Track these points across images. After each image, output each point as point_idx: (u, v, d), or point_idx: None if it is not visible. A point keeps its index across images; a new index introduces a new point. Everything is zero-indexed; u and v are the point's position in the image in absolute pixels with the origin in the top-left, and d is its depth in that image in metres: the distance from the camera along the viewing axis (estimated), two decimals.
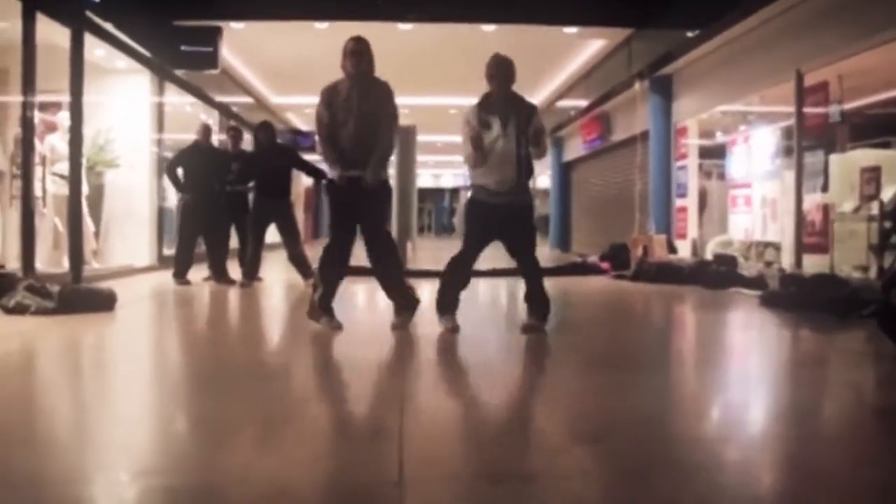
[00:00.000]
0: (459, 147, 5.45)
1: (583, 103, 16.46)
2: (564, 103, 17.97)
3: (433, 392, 3.78)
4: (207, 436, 2.88)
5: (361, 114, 5.29)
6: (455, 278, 5.46)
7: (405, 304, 5.49)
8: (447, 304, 5.38)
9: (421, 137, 12.39)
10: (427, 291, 7.01)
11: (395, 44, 13.31)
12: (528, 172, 5.35)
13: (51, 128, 9.17)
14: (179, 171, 9.09)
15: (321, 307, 5.35)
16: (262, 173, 8.87)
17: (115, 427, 2.96)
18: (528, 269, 5.41)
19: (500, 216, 5.23)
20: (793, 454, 2.70)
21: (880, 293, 4.94)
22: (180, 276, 9.14)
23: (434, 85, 16.55)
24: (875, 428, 3.16)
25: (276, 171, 8.93)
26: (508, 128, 5.20)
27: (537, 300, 5.36)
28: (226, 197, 9.28)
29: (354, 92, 5.35)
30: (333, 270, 5.44)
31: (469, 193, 5.49)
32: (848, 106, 8.75)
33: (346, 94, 5.36)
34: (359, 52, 5.38)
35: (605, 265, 11.47)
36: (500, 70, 5.31)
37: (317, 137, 5.66)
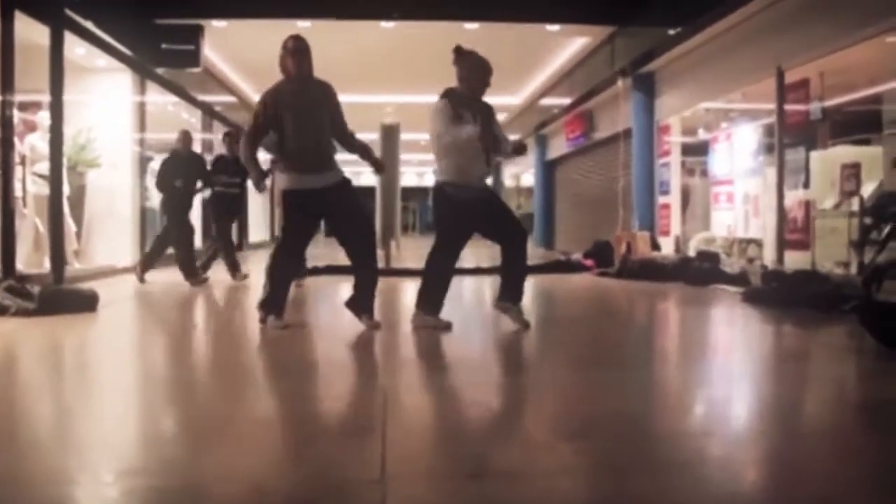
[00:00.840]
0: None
1: (566, 101, 16.50)
2: (548, 101, 18.00)
3: (415, 389, 3.77)
4: (190, 435, 2.87)
5: (311, 115, 5.28)
6: (441, 279, 5.40)
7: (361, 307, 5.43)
8: (435, 304, 5.32)
9: (404, 136, 12.37)
10: (411, 288, 6.97)
11: (378, 42, 13.32)
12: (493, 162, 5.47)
13: (31, 127, 9.11)
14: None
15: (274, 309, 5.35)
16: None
17: (98, 427, 2.94)
18: (518, 250, 5.38)
19: (481, 208, 5.26)
20: (775, 449, 2.71)
21: (861, 289, 4.99)
22: (194, 276, 9.23)
23: (417, 83, 16.50)
24: (857, 422, 3.18)
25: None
26: (478, 121, 5.22)
27: (519, 279, 5.38)
28: (221, 197, 9.54)
29: (299, 91, 5.29)
30: (290, 273, 5.58)
31: (440, 190, 5.33)
32: (828, 103, 8.82)
33: (290, 94, 5.29)
34: (301, 51, 5.30)
35: (588, 262, 11.51)
36: (478, 67, 5.36)
37: (243, 140, 5.63)
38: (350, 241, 5.37)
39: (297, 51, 5.27)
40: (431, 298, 5.32)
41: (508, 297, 5.34)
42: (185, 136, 9.54)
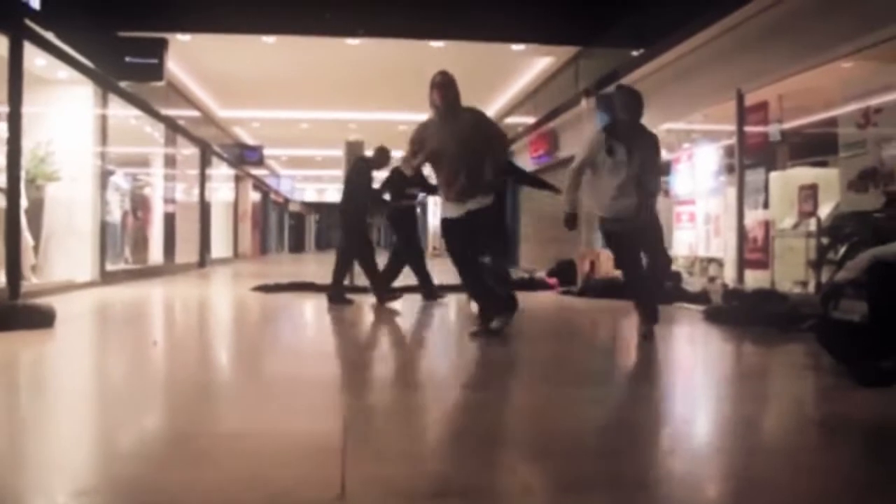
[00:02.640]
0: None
1: (530, 120, 16.63)
2: (512, 120, 18.14)
3: (377, 407, 3.75)
4: (147, 454, 2.82)
5: (458, 144, 5.60)
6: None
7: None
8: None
9: (369, 152, 12.35)
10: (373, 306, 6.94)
11: (344, 59, 13.34)
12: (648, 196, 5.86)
13: None
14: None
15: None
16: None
17: (52, 446, 2.88)
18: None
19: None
20: (735, 466, 2.74)
21: (818, 307, 5.07)
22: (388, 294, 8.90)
23: (382, 100, 16.59)
24: (815, 438, 3.22)
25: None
26: (633, 155, 5.65)
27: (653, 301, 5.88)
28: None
29: (446, 123, 5.65)
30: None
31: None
32: (787, 125, 8.99)
33: (436, 127, 5.69)
34: (444, 84, 5.64)
35: (552, 281, 11.57)
36: (632, 101, 5.89)
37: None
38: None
39: (440, 84, 5.65)
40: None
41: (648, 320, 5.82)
42: (384, 154, 9.27)
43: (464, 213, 5.64)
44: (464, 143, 5.56)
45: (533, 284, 11.57)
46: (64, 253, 10.58)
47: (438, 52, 12.07)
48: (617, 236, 5.82)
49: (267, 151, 23.60)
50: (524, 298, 9.31)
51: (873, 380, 3.86)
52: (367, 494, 2.32)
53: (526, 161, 18.39)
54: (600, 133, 5.89)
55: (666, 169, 12.00)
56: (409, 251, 9.18)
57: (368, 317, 7.83)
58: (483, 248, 6.09)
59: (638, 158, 5.66)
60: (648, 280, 5.87)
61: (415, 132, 5.76)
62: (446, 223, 5.81)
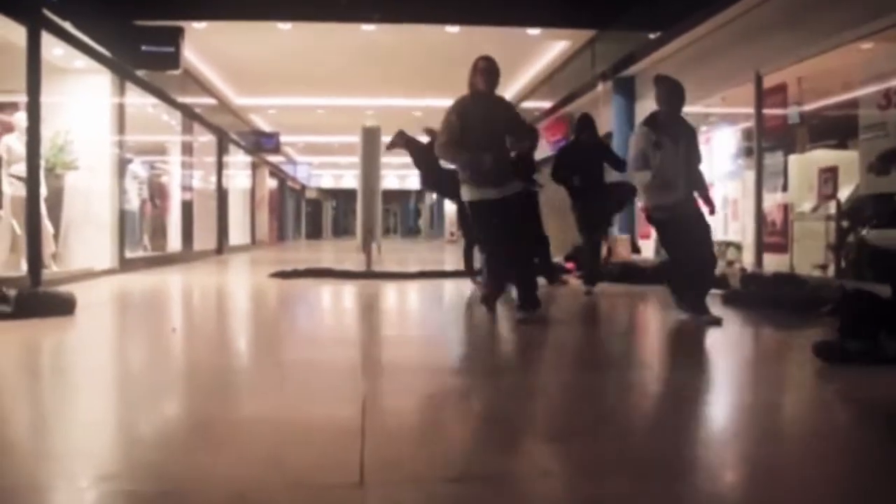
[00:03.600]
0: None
1: (547, 105, 16.54)
2: (528, 104, 18.03)
3: (395, 392, 3.77)
4: (168, 440, 2.85)
5: (494, 130, 5.74)
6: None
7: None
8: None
9: (386, 139, 12.35)
10: (393, 291, 6.98)
11: (359, 45, 13.30)
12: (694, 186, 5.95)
13: (8, 128, 9.03)
14: None
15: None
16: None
17: (75, 432, 2.91)
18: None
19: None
20: (753, 451, 2.73)
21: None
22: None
23: (398, 86, 16.55)
24: (832, 423, 3.21)
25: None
26: (679, 147, 5.72)
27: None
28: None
29: (482, 107, 5.75)
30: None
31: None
32: (806, 108, 8.90)
33: (475, 109, 5.75)
34: (490, 70, 5.79)
35: (569, 265, 11.53)
36: (673, 91, 5.90)
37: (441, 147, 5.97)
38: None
39: (485, 70, 5.79)
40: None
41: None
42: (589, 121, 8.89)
43: (501, 196, 5.72)
44: (499, 129, 5.77)
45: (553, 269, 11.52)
46: (83, 241, 10.66)
47: (454, 37, 12.02)
48: (664, 224, 5.91)
49: (283, 138, 23.62)
50: (542, 283, 9.31)
51: (837, 359, 3.98)
52: (385, 479, 2.34)
53: (543, 146, 18.32)
54: (642, 127, 5.91)
55: None
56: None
57: (378, 299, 7.85)
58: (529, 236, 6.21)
59: (684, 149, 5.74)
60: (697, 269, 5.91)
61: (452, 109, 5.81)
62: (482, 205, 5.81)
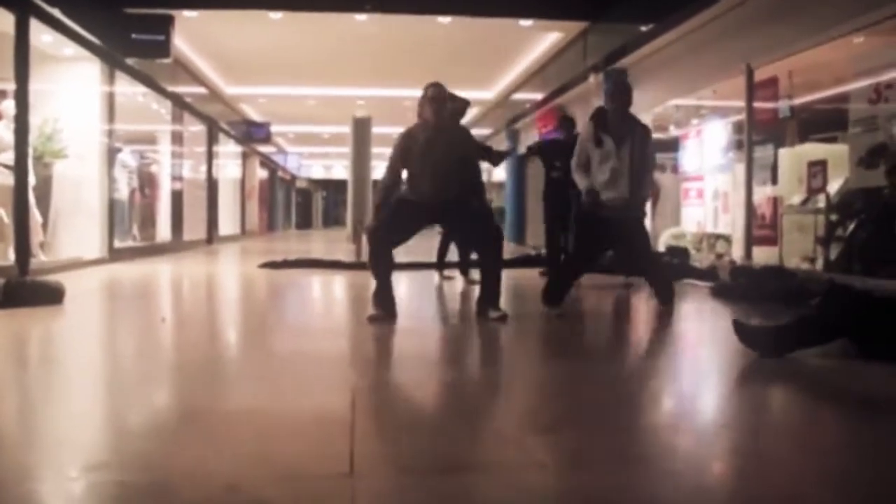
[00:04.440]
0: None
1: (538, 96, 16.54)
2: (520, 96, 18.05)
3: (385, 384, 3.77)
4: (157, 430, 2.84)
5: (443, 161, 5.33)
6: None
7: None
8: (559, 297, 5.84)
9: (376, 129, 12.33)
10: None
11: (351, 35, 13.25)
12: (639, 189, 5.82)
13: None
14: None
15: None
16: None
17: (63, 423, 2.90)
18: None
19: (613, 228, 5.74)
20: (741, 443, 2.74)
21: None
22: None
23: (390, 76, 16.50)
24: (821, 416, 3.23)
25: None
26: (622, 147, 5.58)
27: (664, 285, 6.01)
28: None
29: (435, 137, 5.36)
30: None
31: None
32: (797, 101, 8.93)
33: (423, 140, 5.37)
34: (438, 98, 5.36)
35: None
36: (621, 89, 5.79)
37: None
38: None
39: (434, 99, 5.34)
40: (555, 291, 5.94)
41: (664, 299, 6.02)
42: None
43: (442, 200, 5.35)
44: (452, 156, 5.37)
45: (540, 261, 11.55)
46: (72, 230, 10.60)
47: (446, 28, 12.00)
48: (594, 222, 5.71)
49: (274, 128, 23.55)
50: (531, 275, 9.33)
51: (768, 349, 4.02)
52: (375, 469, 2.34)
53: (534, 137, 18.33)
54: (588, 122, 5.83)
55: (674, 145, 11.96)
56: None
57: (368, 290, 7.84)
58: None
59: (628, 149, 5.59)
60: (575, 273, 6.07)
61: (395, 144, 5.47)
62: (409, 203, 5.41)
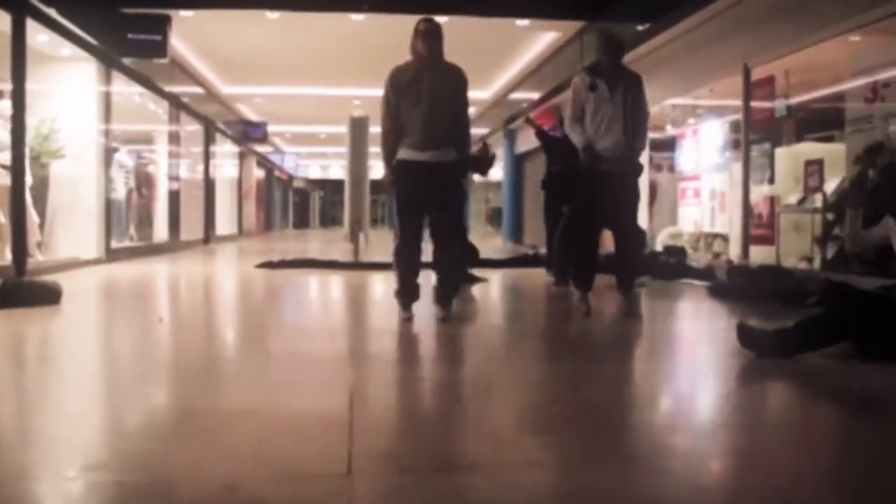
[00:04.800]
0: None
1: (535, 95, 16.54)
2: (517, 95, 18.05)
3: (383, 384, 3.77)
4: (155, 430, 2.84)
5: (433, 98, 5.13)
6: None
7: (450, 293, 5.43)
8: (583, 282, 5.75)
9: (373, 129, 12.30)
10: (380, 281, 6.92)
11: (348, 34, 13.25)
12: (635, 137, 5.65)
13: None
14: None
15: (398, 300, 5.31)
16: None
17: (61, 423, 2.90)
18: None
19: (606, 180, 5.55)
20: (738, 441, 2.75)
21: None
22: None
23: (386, 76, 16.47)
24: (819, 415, 3.24)
25: None
26: (615, 93, 5.50)
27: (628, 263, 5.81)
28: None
29: (426, 75, 5.18)
30: (410, 265, 5.33)
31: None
32: (793, 100, 8.95)
33: (413, 76, 5.19)
34: (432, 33, 5.23)
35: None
36: (612, 45, 5.71)
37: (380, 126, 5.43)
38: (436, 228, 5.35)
39: (427, 33, 5.24)
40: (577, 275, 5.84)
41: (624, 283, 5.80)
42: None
43: (428, 158, 5.14)
44: (444, 102, 5.17)
45: (537, 260, 11.56)
46: (69, 230, 10.60)
47: (443, 28, 11.98)
48: (593, 177, 5.54)
49: (271, 128, 23.54)
50: (529, 274, 9.33)
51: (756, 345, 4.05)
52: (373, 469, 2.34)
53: (531, 137, 18.33)
54: (581, 72, 5.73)
55: (671, 144, 11.97)
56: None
57: (366, 289, 7.85)
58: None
59: (621, 96, 5.53)
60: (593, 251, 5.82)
61: (386, 82, 5.32)
62: (408, 166, 5.19)
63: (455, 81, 5.27)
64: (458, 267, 5.38)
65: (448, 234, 5.31)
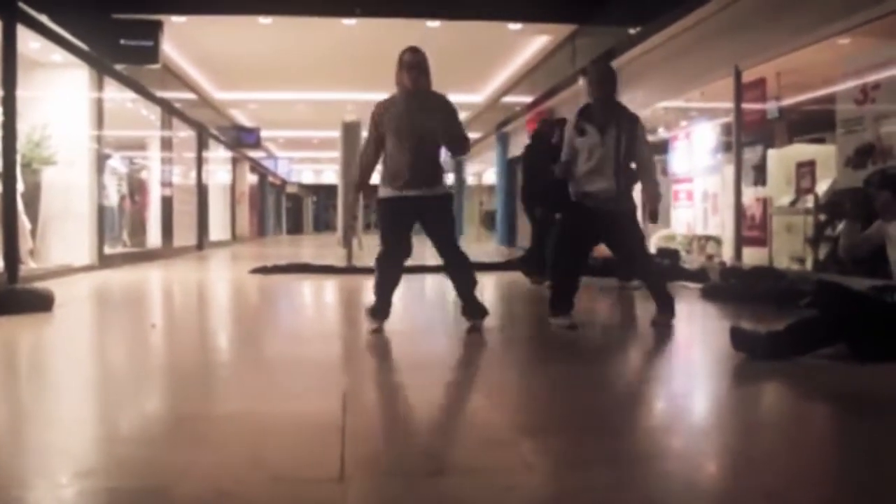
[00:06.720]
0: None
1: (528, 99, 16.56)
2: (510, 99, 18.06)
3: (375, 388, 3.77)
4: (148, 436, 2.83)
5: (421, 138, 5.03)
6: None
7: (473, 311, 5.29)
8: (562, 305, 5.45)
9: (366, 134, 12.29)
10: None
11: (340, 39, 13.25)
12: (627, 180, 5.49)
13: None
14: None
15: (370, 314, 5.20)
16: None
17: (53, 429, 2.89)
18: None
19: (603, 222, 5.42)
20: (732, 442, 2.75)
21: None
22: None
23: (379, 81, 16.45)
24: (813, 415, 3.25)
25: None
26: (606, 136, 5.33)
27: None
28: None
29: (411, 112, 5.05)
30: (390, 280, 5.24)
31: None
32: (785, 102, 8.98)
33: (401, 108, 5.08)
34: (416, 65, 5.06)
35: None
36: (603, 76, 5.54)
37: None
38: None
39: (412, 65, 5.06)
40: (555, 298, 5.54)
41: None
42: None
43: (415, 195, 5.04)
44: (428, 129, 5.05)
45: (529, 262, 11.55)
46: (62, 237, 10.57)
47: (435, 32, 12.00)
48: (583, 214, 5.44)
49: (264, 133, 23.51)
50: (522, 277, 9.33)
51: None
52: (366, 473, 2.34)
53: (524, 140, 18.36)
54: (574, 116, 5.61)
55: (663, 147, 11.99)
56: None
57: (359, 294, 7.84)
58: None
59: (613, 137, 5.34)
60: (576, 276, 5.63)
61: (371, 115, 5.22)
62: (394, 202, 5.10)
63: (443, 114, 5.11)
64: (471, 269, 5.34)
65: (448, 246, 5.23)
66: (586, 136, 5.36)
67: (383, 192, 5.14)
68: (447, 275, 5.35)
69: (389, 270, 5.18)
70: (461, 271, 5.26)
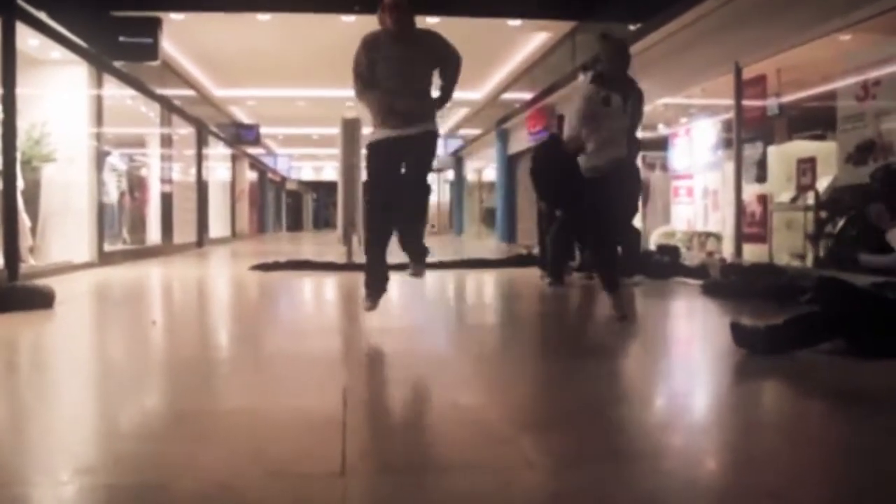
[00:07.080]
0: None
1: (528, 96, 16.56)
2: (509, 95, 18.08)
3: (376, 383, 3.77)
4: (148, 432, 2.83)
5: (408, 75, 4.95)
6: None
7: (417, 257, 5.32)
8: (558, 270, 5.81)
9: (366, 130, 12.30)
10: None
11: (339, 36, 13.23)
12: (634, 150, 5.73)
13: None
14: None
15: (365, 285, 5.18)
16: None
17: (54, 426, 2.89)
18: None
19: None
20: (733, 439, 2.75)
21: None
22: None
23: None
24: (812, 411, 3.24)
25: None
26: (627, 105, 5.47)
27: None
28: None
29: (396, 50, 4.96)
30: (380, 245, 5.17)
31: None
32: (785, 99, 8.97)
33: (387, 53, 4.97)
34: (398, 6, 4.95)
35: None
36: (619, 50, 5.64)
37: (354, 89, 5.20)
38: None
39: (393, 6, 4.95)
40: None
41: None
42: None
43: (406, 134, 4.94)
44: (419, 67, 5.00)
45: (531, 260, 11.57)
46: (61, 234, 10.56)
47: (435, 28, 11.99)
48: (595, 182, 5.44)
49: (263, 130, 23.53)
50: (522, 274, 9.34)
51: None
52: (367, 468, 2.34)
53: (524, 137, 18.36)
54: (590, 85, 5.54)
55: (663, 144, 11.99)
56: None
57: (359, 291, 7.83)
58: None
59: (630, 109, 5.56)
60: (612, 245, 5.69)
61: (360, 45, 5.08)
62: (382, 145, 5.01)
63: (431, 47, 5.08)
64: (422, 221, 5.31)
65: (420, 181, 5.14)
66: (611, 105, 5.38)
67: (378, 135, 5.04)
68: (400, 210, 5.12)
69: (379, 239, 5.13)
70: (418, 208, 5.22)
